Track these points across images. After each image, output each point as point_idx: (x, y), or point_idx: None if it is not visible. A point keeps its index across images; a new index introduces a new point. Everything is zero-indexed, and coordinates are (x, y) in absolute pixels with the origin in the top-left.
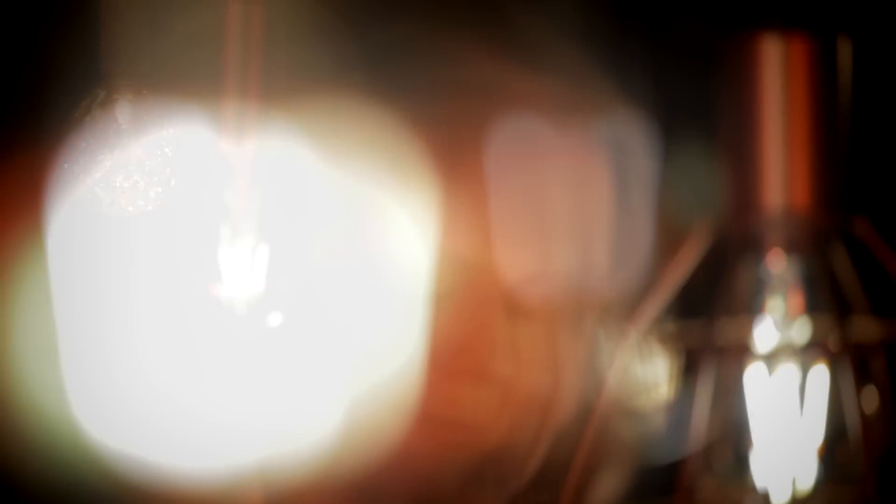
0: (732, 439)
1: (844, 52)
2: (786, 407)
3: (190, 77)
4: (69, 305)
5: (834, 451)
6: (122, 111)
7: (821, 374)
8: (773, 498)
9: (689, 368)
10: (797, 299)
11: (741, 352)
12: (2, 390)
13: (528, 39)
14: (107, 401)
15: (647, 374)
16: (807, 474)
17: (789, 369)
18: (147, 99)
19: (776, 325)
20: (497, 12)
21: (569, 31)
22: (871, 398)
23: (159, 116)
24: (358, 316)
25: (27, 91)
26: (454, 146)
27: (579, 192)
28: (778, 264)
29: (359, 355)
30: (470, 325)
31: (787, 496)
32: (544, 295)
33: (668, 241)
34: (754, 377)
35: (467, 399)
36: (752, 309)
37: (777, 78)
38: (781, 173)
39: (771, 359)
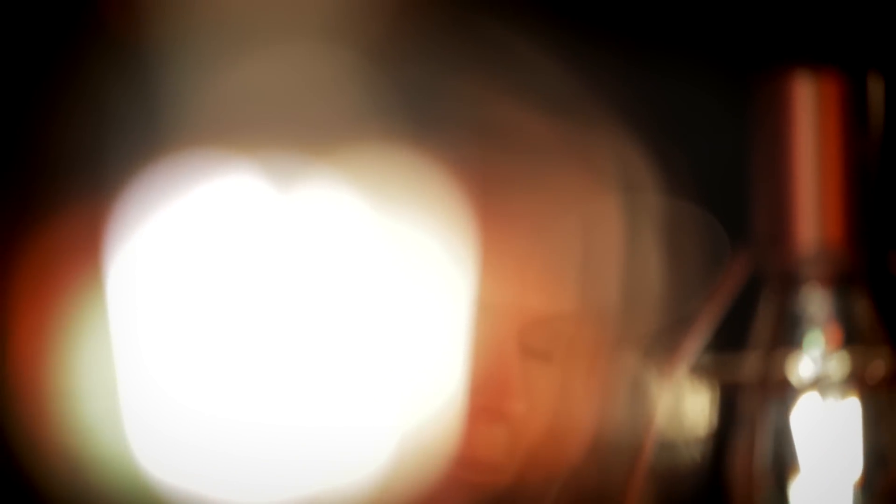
0: (771, 473)
1: (876, 89)
2: (824, 439)
3: (242, 128)
4: (127, 346)
5: (872, 484)
6: (176, 162)
7: (858, 407)
8: None
9: (726, 403)
10: (834, 332)
11: (778, 385)
12: (62, 426)
13: (546, 81)
14: (162, 435)
15: (685, 409)
16: None
17: (827, 402)
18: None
19: (813, 358)
20: (514, 55)
21: (588, 71)
22: None
23: (211, 167)
24: (399, 358)
25: (85, 141)
26: (474, 188)
27: (595, 232)
28: (814, 298)
29: (402, 395)
30: (486, 364)
31: None
32: (560, 335)
33: (705, 275)
34: (792, 410)
35: (483, 437)
36: (788, 342)
37: (810, 114)
38: (815, 207)
39: (808, 392)
